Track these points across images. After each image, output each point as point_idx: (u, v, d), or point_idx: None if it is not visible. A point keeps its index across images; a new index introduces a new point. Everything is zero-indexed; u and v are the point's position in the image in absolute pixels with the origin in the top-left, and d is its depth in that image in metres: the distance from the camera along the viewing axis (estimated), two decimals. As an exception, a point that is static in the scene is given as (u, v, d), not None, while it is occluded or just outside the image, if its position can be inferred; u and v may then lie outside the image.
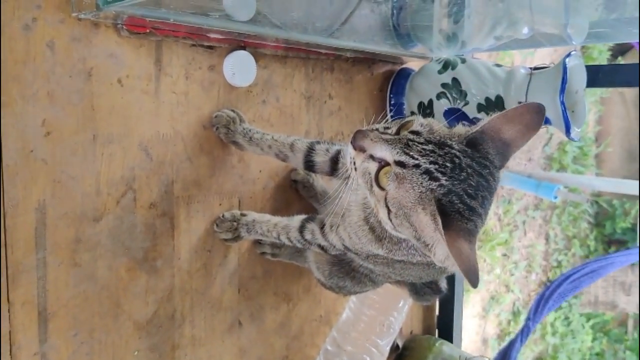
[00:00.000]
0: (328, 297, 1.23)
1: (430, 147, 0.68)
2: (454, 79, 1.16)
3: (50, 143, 0.81)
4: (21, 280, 0.80)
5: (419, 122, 0.72)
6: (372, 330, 1.21)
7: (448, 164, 0.67)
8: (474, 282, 0.64)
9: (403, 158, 0.68)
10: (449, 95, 1.16)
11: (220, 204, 1.02)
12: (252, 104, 1.04)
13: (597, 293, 4.35)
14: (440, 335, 1.47)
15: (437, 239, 0.67)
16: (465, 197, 0.67)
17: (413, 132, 0.71)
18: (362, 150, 0.72)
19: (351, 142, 0.73)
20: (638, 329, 4.38)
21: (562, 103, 1.04)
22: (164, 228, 0.95)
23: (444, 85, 1.16)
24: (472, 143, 0.70)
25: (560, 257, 4.26)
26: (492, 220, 3.67)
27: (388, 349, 1.24)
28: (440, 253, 0.67)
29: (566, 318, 4.26)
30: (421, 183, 0.67)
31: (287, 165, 1.11)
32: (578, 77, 1.09)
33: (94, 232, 0.87)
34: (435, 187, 0.66)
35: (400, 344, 1.38)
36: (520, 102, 1.10)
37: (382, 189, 0.70)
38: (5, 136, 0.76)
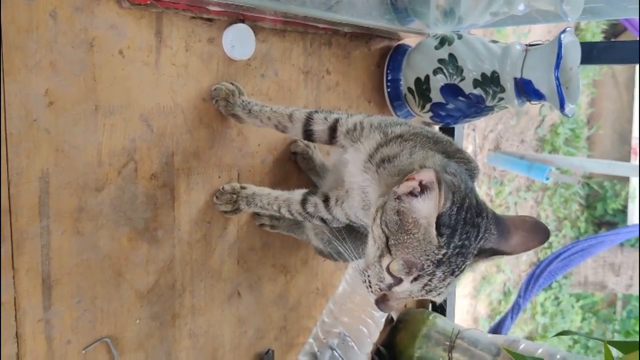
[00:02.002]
0: (325, 270, 1.26)
1: (440, 273, 0.73)
2: (451, 55, 1.17)
3: (52, 113, 0.82)
4: (25, 248, 0.81)
5: (399, 266, 0.73)
6: (368, 302, 1.23)
7: (459, 259, 0.74)
8: (547, 234, 0.75)
9: (437, 293, 0.76)
10: (445, 70, 1.17)
11: (219, 177, 1.03)
12: (251, 78, 1.05)
13: (587, 274, 4.41)
14: (433, 309, 1.50)
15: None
16: (478, 235, 0.75)
17: (415, 280, 0.73)
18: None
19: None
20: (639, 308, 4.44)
21: (557, 78, 1.05)
22: (164, 199, 0.96)
23: (440, 60, 1.18)
24: (439, 225, 0.72)
25: (551, 238, 4.31)
26: (484, 201, 3.70)
27: (383, 320, 1.27)
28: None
29: (556, 298, 4.32)
30: (460, 276, 0.76)
31: (286, 139, 1.12)
32: (573, 53, 1.11)
33: (96, 201, 0.88)
34: (468, 267, 0.76)
35: (395, 317, 1.41)
36: (515, 78, 1.11)
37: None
38: (8, 104, 0.77)
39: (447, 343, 1.33)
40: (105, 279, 0.90)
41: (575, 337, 4.24)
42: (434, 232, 0.71)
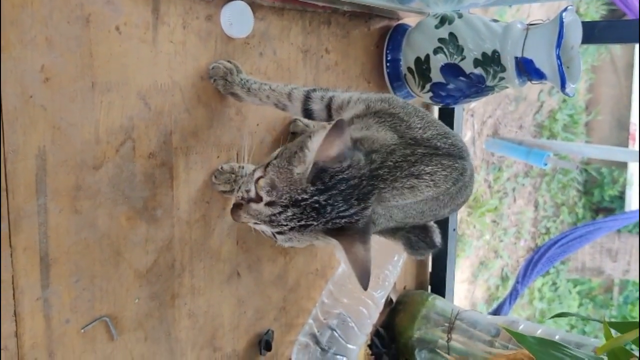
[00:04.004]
0: (324, 252, 1.25)
1: (289, 212, 0.77)
2: (451, 34, 1.16)
3: (49, 89, 0.81)
4: (22, 226, 0.80)
5: (265, 188, 0.79)
6: (368, 283, 1.23)
7: (312, 213, 0.77)
8: (364, 285, 0.76)
9: (278, 229, 0.80)
10: (445, 50, 1.16)
11: (218, 157, 1.02)
12: (249, 56, 1.04)
13: (584, 259, 4.42)
14: (433, 291, 1.50)
15: (337, 246, 0.78)
16: (343, 213, 0.77)
17: (268, 204, 0.79)
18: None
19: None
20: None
21: (558, 57, 1.04)
22: (163, 178, 0.95)
23: (440, 40, 1.16)
24: (316, 175, 0.76)
25: (548, 224, 4.32)
26: (482, 187, 3.70)
27: (383, 301, 1.27)
28: (340, 256, 0.83)
29: (554, 284, 4.34)
30: (303, 233, 0.79)
31: (285, 118, 1.11)
32: (574, 32, 1.10)
33: (93, 180, 0.87)
34: (314, 229, 0.78)
35: (394, 299, 1.41)
36: (516, 57, 1.11)
37: None
38: (4, 80, 0.76)
39: (447, 324, 1.33)
40: (103, 258, 0.90)
41: (573, 322, 4.27)
42: (309, 170, 0.75)
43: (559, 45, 1.04)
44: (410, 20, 1.32)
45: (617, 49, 4.31)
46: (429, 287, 1.52)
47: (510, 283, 3.87)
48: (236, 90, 0.98)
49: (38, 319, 0.84)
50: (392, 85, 1.29)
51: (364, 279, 0.76)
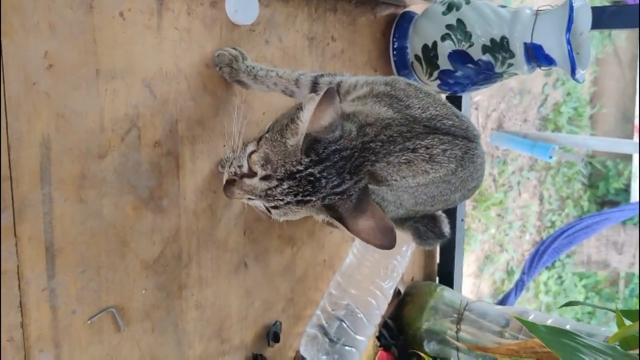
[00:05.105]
0: (332, 242, 1.24)
1: (285, 185, 0.76)
2: (459, 20, 1.14)
3: (52, 76, 0.79)
4: (27, 215, 0.79)
5: (259, 162, 0.78)
6: (376, 273, 1.21)
7: (308, 187, 0.76)
8: (390, 245, 0.76)
9: (273, 204, 0.79)
10: (453, 37, 1.14)
11: (224, 145, 1.01)
12: (255, 44, 1.03)
13: (590, 252, 4.40)
14: (441, 282, 1.49)
15: (340, 227, 0.78)
16: (337, 189, 0.76)
17: (263, 178, 0.78)
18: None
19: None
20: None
21: (569, 42, 1.03)
22: (169, 167, 0.94)
23: (448, 26, 1.15)
24: (310, 147, 0.75)
25: (554, 217, 4.30)
26: (487, 181, 3.69)
27: (391, 292, 1.25)
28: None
29: (559, 277, 4.32)
30: (300, 207, 0.78)
31: (292, 105, 1.09)
32: (583, 18, 1.08)
33: (99, 168, 0.86)
34: (312, 205, 0.77)
35: (402, 290, 1.40)
36: (525, 43, 1.09)
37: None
38: (7, 67, 0.75)
39: (455, 315, 1.32)
40: (110, 248, 0.88)
41: (579, 315, 4.25)
42: (301, 141, 0.74)
43: (569, 30, 1.02)
44: (416, 7, 1.30)
45: (621, 41, 4.28)
46: (437, 278, 1.51)
47: (516, 277, 3.85)
48: (242, 77, 0.96)
49: (44, 309, 0.82)
50: (399, 73, 1.27)
51: (384, 241, 0.76)
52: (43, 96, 0.79)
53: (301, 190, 0.76)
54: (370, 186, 0.81)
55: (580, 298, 4.42)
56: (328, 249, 1.23)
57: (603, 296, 4.70)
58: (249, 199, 0.82)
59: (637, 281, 4.56)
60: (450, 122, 0.85)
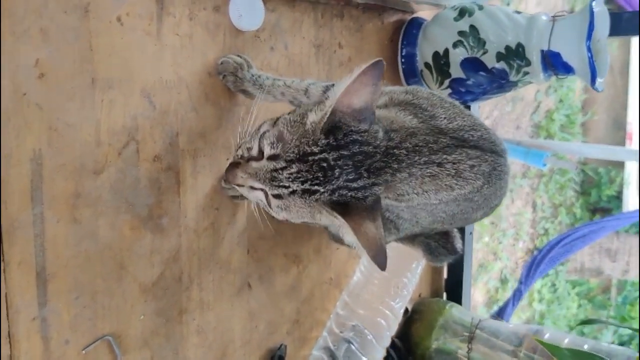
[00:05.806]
0: (338, 259, 1.18)
1: (294, 167, 0.69)
2: (472, 27, 1.09)
3: (44, 86, 0.73)
4: (17, 238, 0.72)
5: (269, 139, 0.71)
6: (386, 292, 1.15)
7: (319, 174, 0.68)
8: (380, 265, 0.67)
9: (277, 191, 0.71)
10: (466, 43, 1.09)
11: (227, 159, 0.94)
12: (260, 51, 0.97)
13: (583, 260, 4.39)
14: (449, 298, 1.43)
15: (344, 225, 0.68)
16: (351, 183, 0.69)
17: (271, 158, 0.71)
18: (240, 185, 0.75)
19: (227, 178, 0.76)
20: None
21: (589, 49, 0.98)
22: (169, 183, 0.88)
23: (460, 33, 1.10)
24: (331, 128, 0.68)
25: (547, 225, 4.28)
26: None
27: (402, 311, 1.20)
28: (350, 239, 0.69)
29: (553, 285, 4.30)
30: (305, 201, 0.70)
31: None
32: (602, 24, 1.03)
33: (94, 186, 0.79)
34: (319, 197, 0.69)
35: (409, 308, 1.34)
36: (542, 50, 1.04)
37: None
38: (-6, 76, 0.68)
39: (466, 334, 1.26)
40: (105, 272, 0.82)
41: (572, 322, 4.23)
42: (326, 117, 0.67)
43: (589, 36, 0.98)
44: (424, 13, 1.25)
45: (613, 48, 4.28)
46: (444, 294, 1.45)
47: (510, 285, 3.82)
48: (247, 87, 0.90)
49: (35, 340, 0.75)
50: (407, 82, 1.22)
51: (379, 257, 0.67)
52: (34, 108, 0.72)
53: (310, 177, 0.68)
54: (387, 201, 0.76)
55: (574, 306, 4.40)
56: (335, 266, 1.17)
57: (595, 304, 4.69)
58: (251, 187, 0.74)
59: (630, 288, 4.55)
60: (479, 134, 0.79)
